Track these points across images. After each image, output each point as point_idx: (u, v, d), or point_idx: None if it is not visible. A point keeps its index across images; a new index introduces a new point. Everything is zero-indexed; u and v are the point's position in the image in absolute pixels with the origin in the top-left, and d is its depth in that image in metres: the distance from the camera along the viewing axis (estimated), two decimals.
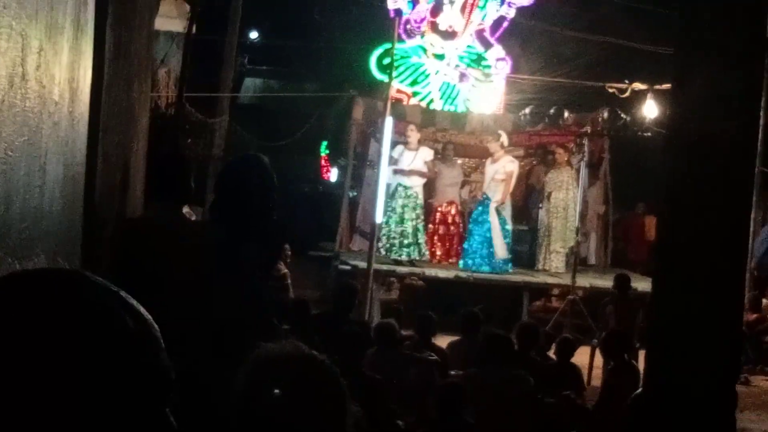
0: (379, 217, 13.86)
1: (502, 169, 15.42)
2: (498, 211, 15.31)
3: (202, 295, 4.30)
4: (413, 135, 15.99)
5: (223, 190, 4.68)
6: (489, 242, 15.38)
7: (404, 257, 15.79)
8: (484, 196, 15.62)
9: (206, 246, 4.47)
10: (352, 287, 9.98)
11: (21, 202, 3.18)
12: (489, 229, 15.36)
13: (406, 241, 15.88)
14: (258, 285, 4.60)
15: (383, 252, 15.65)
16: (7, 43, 2.88)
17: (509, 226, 15.66)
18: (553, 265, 16.12)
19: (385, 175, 14.30)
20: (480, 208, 15.59)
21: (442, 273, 15.26)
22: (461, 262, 15.67)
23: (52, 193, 3.63)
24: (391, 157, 15.19)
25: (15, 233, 3.15)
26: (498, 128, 17.25)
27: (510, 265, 15.65)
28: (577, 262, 14.94)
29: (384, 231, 15.67)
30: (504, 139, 15.66)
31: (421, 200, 16.00)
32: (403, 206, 15.78)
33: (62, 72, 3.62)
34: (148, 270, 4.92)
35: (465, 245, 15.74)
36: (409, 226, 15.87)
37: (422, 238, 16.03)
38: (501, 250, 15.49)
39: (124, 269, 4.93)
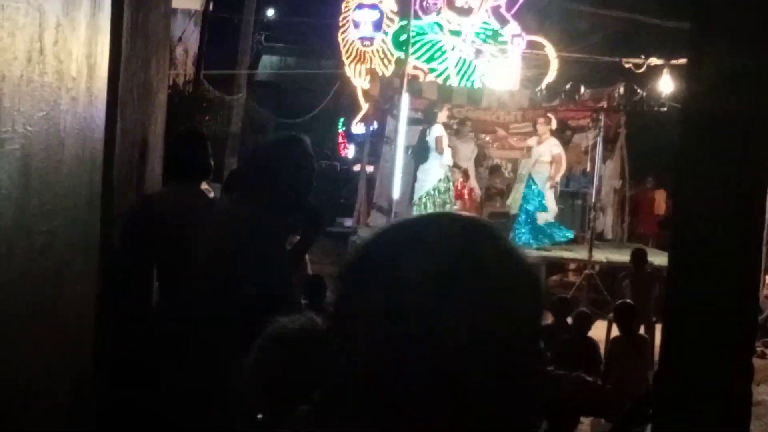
0: (396, 193, 13.88)
1: (548, 152, 15.51)
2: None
3: (222, 271, 4.29)
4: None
5: (260, 170, 4.54)
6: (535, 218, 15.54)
7: None
8: (529, 177, 15.66)
9: (230, 222, 4.45)
10: None
11: (40, 176, 3.23)
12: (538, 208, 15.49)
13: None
14: (284, 266, 4.55)
15: None
16: (25, 18, 2.92)
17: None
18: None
19: (401, 151, 14.32)
20: (528, 189, 15.64)
21: None
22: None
23: (71, 167, 3.68)
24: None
25: (35, 207, 3.20)
26: (514, 104, 17.25)
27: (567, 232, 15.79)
28: (593, 236, 14.97)
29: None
30: (554, 122, 15.80)
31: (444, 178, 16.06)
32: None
33: (79, 47, 3.66)
34: (168, 245, 4.99)
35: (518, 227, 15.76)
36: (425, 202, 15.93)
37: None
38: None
39: (143, 244, 4.99)
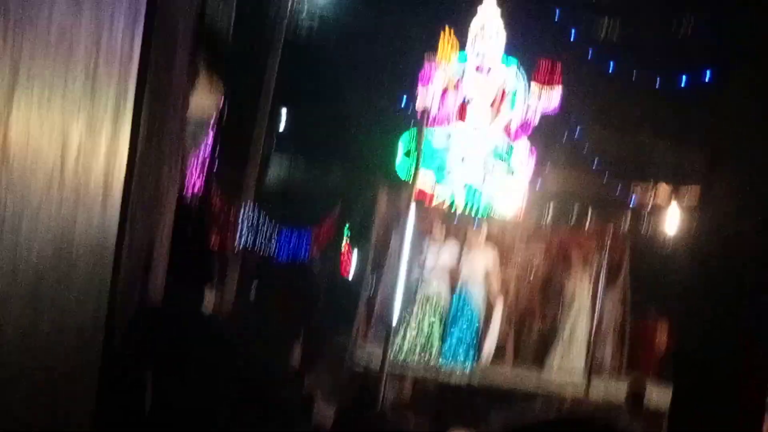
0: (396, 313, 13.61)
1: (483, 262, 15.52)
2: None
3: None
4: (438, 231, 16.14)
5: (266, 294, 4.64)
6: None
7: (407, 349, 15.75)
8: (460, 290, 15.64)
9: (230, 340, 4.47)
10: (368, 389, 9.97)
11: (51, 299, 3.22)
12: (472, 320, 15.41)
13: (413, 334, 15.83)
14: None
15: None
16: (49, 144, 2.95)
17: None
18: (576, 369, 16.00)
19: (404, 269, 14.22)
20: (456, 299, 15.61)
21: (455, 376, 15.17)
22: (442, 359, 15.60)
23: (81, 286, 3.68)
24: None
25: (42, 334, 3.18)
26: (520, 228, 17.29)
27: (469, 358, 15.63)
28: (592, 367, 14.87)
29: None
30: (485, 232, 15.82)
31: (440, 297, 16.00)
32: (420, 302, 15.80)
33: (99, 167, 3.69)
34: (170, 359, 4.96)
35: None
36: (418, 322, 15.88)
37: (436, 337, 15.94)
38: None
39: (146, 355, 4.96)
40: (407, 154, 17.38)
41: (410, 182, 14.49)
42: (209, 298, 6.82)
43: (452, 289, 15.89)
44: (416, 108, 17.70)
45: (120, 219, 4.38)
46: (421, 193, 16.91)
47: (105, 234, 4.07)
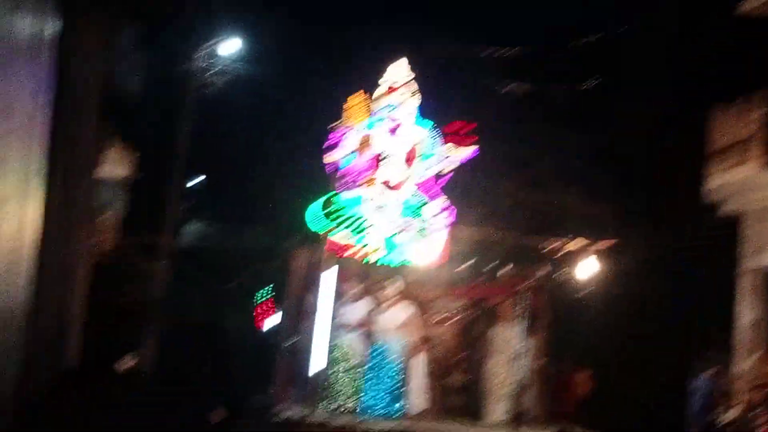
0: (315, 369, 13.62)
1: (399, 316, 15.57)
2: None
3: None
4: (352, 287, 16.20)
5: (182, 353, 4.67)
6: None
7: (328, 406, 15.70)
8: (378, 344, 15.68)
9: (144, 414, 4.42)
10: None
11: None
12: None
13: (333, 391, 15.81)
14: None
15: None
16: None
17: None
18: (500, 418, 16.11)
19: (325, 326, 14.23)
20: (375, 355, 15.62)
21: (379, 425, 15.11)
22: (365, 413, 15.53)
23: None
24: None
25: None
26: (438, 280, 17.43)
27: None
28: (517, 416, 14.96)
29: None
30: (400, 285, 15.92)
31: (353, 352, 16.00)
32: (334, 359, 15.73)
33: (4, 244, 3.63)
34: None
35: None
36: (336, 378, 15.84)
37: (355, 391, 15.91)
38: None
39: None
40: (323, 214, 17.38)
41: (325, 237, 14.53)
42: (126, 360, 6.72)
43: (370, 343, 15.90)
44: (329, 169, 17.75)
45: (31, 288, 4.31)
46: (335, 245, 16.95)
47: (13, 303, 4.00)
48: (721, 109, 15.15)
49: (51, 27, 4.45)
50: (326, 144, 18.08)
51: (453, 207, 18.34)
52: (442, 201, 18.24)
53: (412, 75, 18.09)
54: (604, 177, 15.45)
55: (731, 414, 19.32)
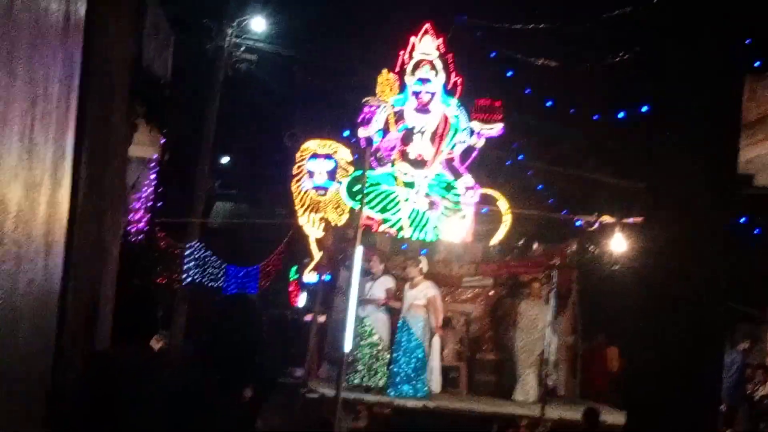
0: (347, 347, 13.72)
1: (423, 296, 15.58)
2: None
3: None
4: (376, 265, 16.17)
5: (209, 329, 4.69)
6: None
7: (357, 382, 15.70)
8: (401, 322, 15.67)
9: (177, 391, 4.43)
10: (324, 420, 9.93)
11: None
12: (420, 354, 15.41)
13: (360, 367, 15.82)
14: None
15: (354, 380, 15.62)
16: None
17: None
18: (530, 395, 16.08)
19: (354, 304, 14.23)
20: (400, 335, 15.63)
21: (410, 402, 15.12)
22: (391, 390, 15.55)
23: (27, 345, 3.62)
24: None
25: None
26: (468, 257, 17.43)
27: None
28: (545, 392, 14.92)
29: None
30: (424, 265, 15.90)
31: (377, 329, 15.97)
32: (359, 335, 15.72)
33: (38, 228, 3.64)
34: (118, 412, 4.90)
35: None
36: (362, 354, 15.83)
37: (381, 368, 15.89)
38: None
39: (94, 409, 4.88)
40: (352, 193, 17.40)
41: (357, 212, 14.56)
42: (156, 342, 6.77)
43: (396, 321, 15.93)
44: (360, 146, 17.76)
45: (63, 269, 4.33)
46: (367, 221, 16.97)
47: (49, 285, 4.01)
48: (755, 80, 14.89)
49: (80, 8, 4.45)
50: (357, 120, 18.11)
51: (479, 185, 18.33)
52: (470, 177, 18.23)
53: (443, 51, 18.06)
54: (633, 152, 15.28)
55: (765, 388, 19.28)
